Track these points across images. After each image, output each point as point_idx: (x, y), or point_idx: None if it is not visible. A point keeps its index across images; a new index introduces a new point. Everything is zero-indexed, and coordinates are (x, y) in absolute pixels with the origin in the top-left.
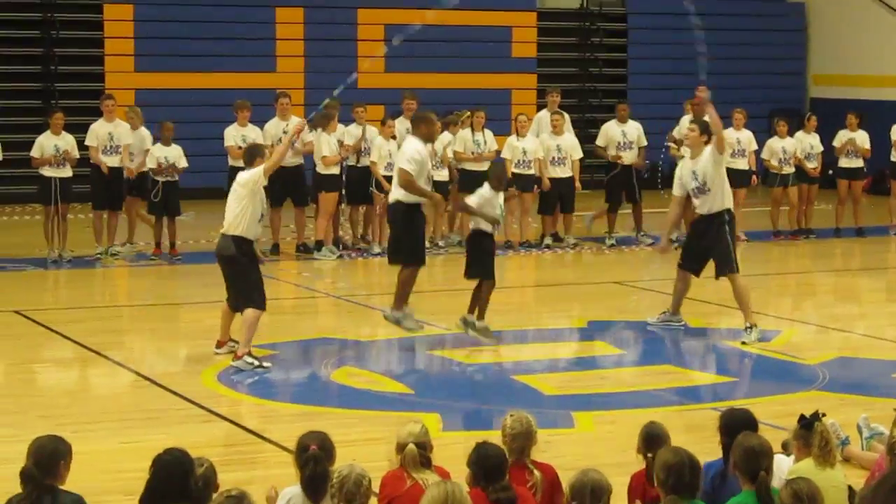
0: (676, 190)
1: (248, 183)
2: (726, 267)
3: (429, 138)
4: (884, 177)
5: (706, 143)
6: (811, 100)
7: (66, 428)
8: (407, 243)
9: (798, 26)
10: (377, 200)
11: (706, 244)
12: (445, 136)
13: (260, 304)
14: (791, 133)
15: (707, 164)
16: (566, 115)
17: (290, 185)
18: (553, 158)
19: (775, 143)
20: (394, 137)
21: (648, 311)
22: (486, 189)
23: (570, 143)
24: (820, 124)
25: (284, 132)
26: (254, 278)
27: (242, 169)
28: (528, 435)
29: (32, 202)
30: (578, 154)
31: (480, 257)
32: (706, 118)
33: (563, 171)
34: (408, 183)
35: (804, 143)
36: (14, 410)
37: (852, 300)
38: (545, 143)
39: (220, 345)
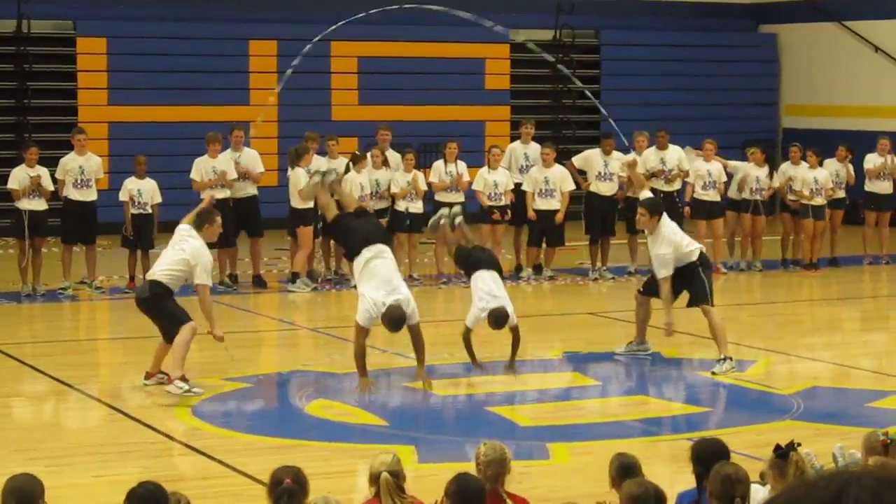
0: (662, 272)
1: (187, 259)
2: (702, 299)
3: (389, 325)
4: (856, 206)
5: (658, 220)
6: (784, 130)
7: (40, 462)
8: (177, 313)
9: (770, 57)
10: None
11: (680, 282)
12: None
13: (187, 319)
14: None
15: (662, 250)
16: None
17: (244, 217)
18: (540, 190)
19: (806, 174)
20: (386, 164)
21: (623, 341)
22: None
23: (559, 175)
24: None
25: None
26: (172, 304)
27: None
28: (501, 462)
29: (5, 236)
30: (569, 186)
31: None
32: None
33: (549, 204)
34: (356, 333)
35: (830, 171)
36: None
37: (827, 329)
38: (533, 175)
39: (148, 376)
